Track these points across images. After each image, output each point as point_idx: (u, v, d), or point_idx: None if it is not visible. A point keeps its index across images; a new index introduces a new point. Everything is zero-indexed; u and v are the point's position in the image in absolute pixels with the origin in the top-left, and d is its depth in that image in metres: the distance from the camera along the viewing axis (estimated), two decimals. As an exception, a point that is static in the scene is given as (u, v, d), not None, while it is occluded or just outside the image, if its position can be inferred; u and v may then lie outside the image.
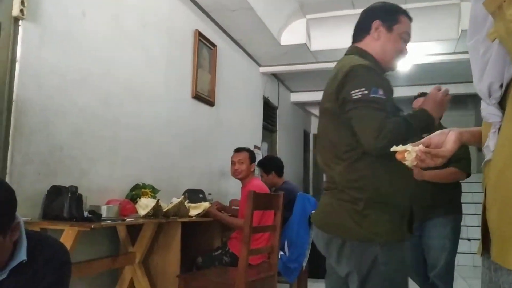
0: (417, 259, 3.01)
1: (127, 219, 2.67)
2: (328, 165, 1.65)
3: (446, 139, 1.24)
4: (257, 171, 4.18)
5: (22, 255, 1.25)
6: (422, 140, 1.27)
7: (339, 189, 1.59)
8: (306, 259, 3.52)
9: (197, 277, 2.74)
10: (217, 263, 3.21)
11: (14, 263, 1.24)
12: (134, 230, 2.97)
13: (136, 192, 3.16)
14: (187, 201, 3.14)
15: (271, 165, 4.13)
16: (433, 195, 2.91)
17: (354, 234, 1.53)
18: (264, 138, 6.40)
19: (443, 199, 2.93)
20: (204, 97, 4.50)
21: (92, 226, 2.23)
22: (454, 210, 2.96)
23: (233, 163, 3.59)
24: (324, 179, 1.81)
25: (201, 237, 3.65)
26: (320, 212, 1.69)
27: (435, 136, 1.27)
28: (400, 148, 1.27)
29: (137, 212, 2.86)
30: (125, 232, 2.96)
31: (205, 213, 3.26)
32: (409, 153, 1.24)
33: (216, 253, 3.30)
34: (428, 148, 1.23)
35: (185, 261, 3.09)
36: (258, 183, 3.38)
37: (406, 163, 1.25)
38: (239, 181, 3.69)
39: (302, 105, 8.40)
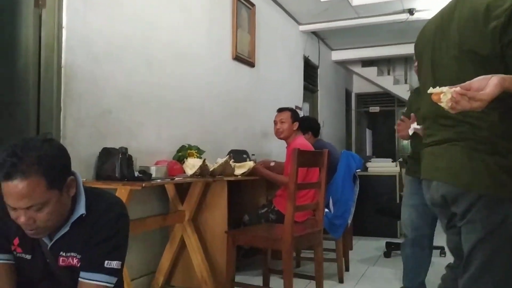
0: (422, 218, 2.75)
1: (176, 178, 2.75)
2: (469, 114, 1.47)
3: (488, 83, 1.18)
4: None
5: (81, 209, 1.32)
6: (463, 84, 1.23)
7: (484, 141, 1.45)
8: (351, 216, 3.53)
9: (245, 233, 2.81)
10: (263, 221, 3.28)
11: (74, 217, 1.32)
12: (182, 190, 3.07)
13: (182, 153, 3.25)
14: (232, 160, 3.20)
15: (308, 125, 4.12)
16: None
17: (496, 190, 1.43)
18: (305, 99, 6.35)
19: None
20: (245, 58, 4.48)
21: (143, 184, 2.32)
22: None
23: (275, 123, 3.59)
24: (431, 130, 1.63)
25: (246, 195, 3.73)
26: (447, 164, 1.54)
27: (476, 81, 1.22)
28: (436, 90, 1.27)
29: (184, 172, 2.94)
30: (174, 192, 3.06)
31: (251, 172, 3.31)
32: (444, 94, 1.23)
33: (262, 211, 3.37)
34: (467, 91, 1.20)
35: (232, 219, 3.18)
36: (303, 142, 3.37)
37: (442, 104, 1.25)
38: (282, 142, 3.70)
39: (343, 64, 8.21)
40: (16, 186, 1.15)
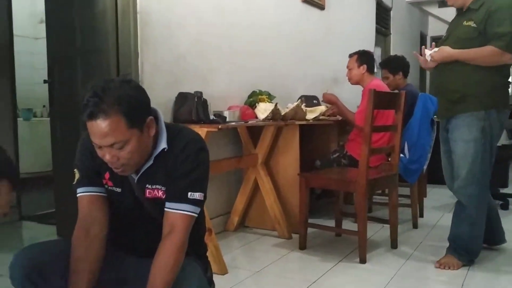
0: (446, 163, 2.58)
1: (249, 122, 2.79)
2: None
3: None
4: (378, 74, 4.00)
5: (163, 144, 1.38)
6: None
7: None
8: (427, 162, 3.41)
9: (318, 175, 2.82)
10: (335, 166, 3.26)
11: (157, 151, 1.38)
12: (255, 134, 3.12)
13: (253, 98, 3.26)
14: (304, 104, 3.17)
15: (399, 64, 3.83)
16: (461, 85, 2.36)
17: None
18: (377, 43, 6.07)
19: (472, 90, 2.34)
20: (314, 0, 4.32)
21: (220, 126, 2.37)
22: (486, 104, 2.33)
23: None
24: None
25: (318, 141, 3.71)
26: None
27: None
28: None
29: (256, 117, 2.96)
30: (246, 136, 3.11)
31: (327, 101, 3.37)
32: None
33: (333, 156, 3.34)
34: None
35: (304, 164, 3.19)
36: (378, 83, 3.24)
37: None
38: (352, 88, 3.60)
39: (418, 5, 7.68)
40: (99, 125, 1.21)
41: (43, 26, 3.10)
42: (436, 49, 2.42)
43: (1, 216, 1.11)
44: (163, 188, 1.40)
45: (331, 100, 3.37)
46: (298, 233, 2.83)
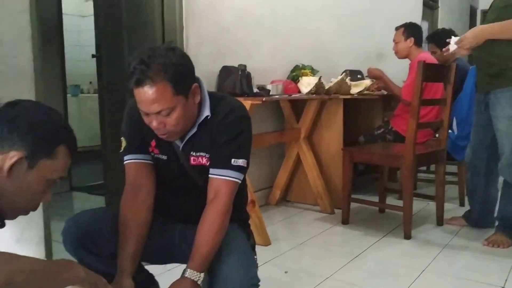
0: (480, 140, 2.48)
1: (293, 95, 2.76)
2: None
3: None
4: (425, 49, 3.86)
5: (206, 112, 1.39)
6: None
7: None
8: (476, 138, 3.28)
9: (362, 150, 2.78)
10: (380, 141, 3.20)
11: (200, 119, 1.39)
12: (297, 108, 3.09)
13: (296, 73, 3.24)
14: (348, 78, 3.11)
15: (446, 38, 3.70)
16: (500, 58, 2.23)
17: None
18: (424, 17, 5.83)
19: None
20: (359, -28, 4.20)
21: (264, 99, 2.37)
22: None
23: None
24: None
25: (362, 116, 3.64)
26: None
27: None
28: None
29: (299, 91, 2.94)
30: (289, 110, 3.09)
31: (373, 77, 3.30)
32: None
33: (378, 132, 3.28)
34: None
35: (347, 140, 3.14)
36: (426, 56, 3.12)
37: None
38: (398, 62, 3.48)
39: (469, -24, 7.33)
40: (146, 92, 1.22)
41: (90, 4, 3.16)
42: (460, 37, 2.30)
43: (57, 180, 1.15)
44: (207, 155, 1.41)
45: (376, 75, 3.29)
46: (341, 208, 2.81)
